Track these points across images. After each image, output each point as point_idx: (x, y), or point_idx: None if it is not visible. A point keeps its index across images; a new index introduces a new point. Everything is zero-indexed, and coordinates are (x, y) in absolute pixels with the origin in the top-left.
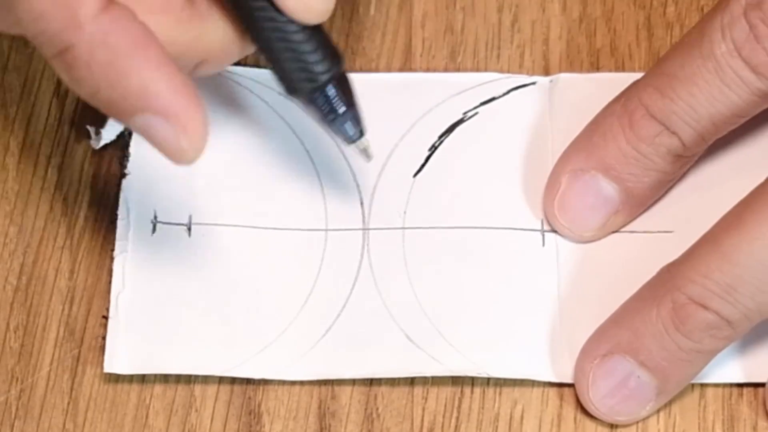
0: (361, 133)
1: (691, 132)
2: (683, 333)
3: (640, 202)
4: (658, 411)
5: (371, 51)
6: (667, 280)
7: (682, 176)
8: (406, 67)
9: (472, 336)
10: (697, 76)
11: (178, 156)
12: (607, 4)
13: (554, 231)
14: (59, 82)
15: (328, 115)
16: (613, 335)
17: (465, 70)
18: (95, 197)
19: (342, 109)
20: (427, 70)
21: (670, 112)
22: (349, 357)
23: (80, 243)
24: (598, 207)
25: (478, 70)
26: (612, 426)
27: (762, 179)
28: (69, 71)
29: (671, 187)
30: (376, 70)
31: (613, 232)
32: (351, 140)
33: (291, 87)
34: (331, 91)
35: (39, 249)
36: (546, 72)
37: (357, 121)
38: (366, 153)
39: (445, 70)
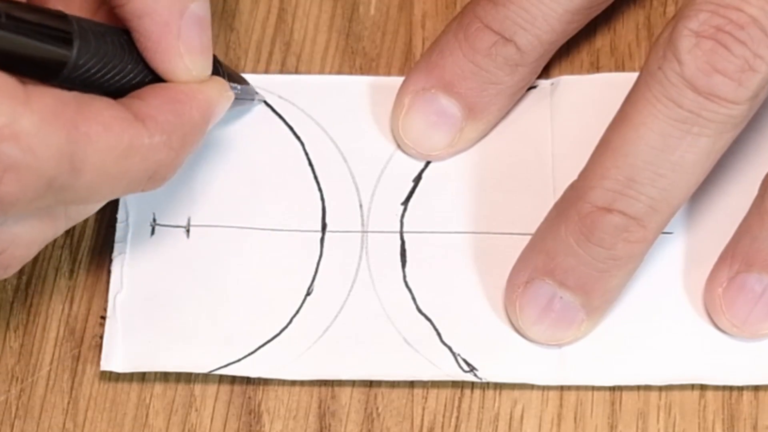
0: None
1: (526, 35)
2: (594, 242)
3: (485, 118)
4: (658, 410)
5: (371, 51)
6: (570, 196)
7: None
8: (407, 66)
9: (470, 340)
10: None
11: None
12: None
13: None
14: None
15: None
16: (531, 261)
17: None
18: None
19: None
20: None
21: (503, 17)
22: (347, 358)
23: (80, 243)
24: (441, 125)
25: None
26: (612, 425)
27: (760, 179)
28: None
29: None
30: (376, 70)
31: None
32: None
33: None
34: None
35: None
36: (546, 72)
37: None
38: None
39: None
